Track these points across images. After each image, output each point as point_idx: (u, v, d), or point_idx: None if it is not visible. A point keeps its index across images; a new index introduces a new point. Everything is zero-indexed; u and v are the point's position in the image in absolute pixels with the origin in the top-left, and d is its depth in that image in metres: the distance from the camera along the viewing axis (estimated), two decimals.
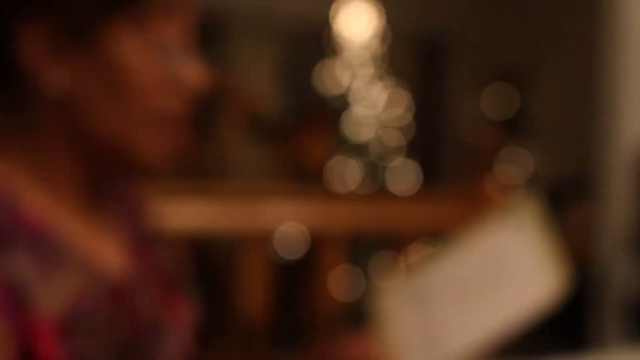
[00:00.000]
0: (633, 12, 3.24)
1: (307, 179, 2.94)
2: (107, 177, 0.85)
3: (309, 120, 3.18)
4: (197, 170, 3.92)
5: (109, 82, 0.78)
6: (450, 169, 6.32)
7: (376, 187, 4.76)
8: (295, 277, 2.87)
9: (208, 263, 4.56)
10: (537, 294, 0.76)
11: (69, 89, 0.78)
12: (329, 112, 3.18)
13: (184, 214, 1.57)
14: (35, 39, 0.76)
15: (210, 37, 5.47)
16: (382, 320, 0.79)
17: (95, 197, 0.85)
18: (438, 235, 1.52)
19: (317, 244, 1.76)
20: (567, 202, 4.40)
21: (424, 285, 0.78)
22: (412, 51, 6.47)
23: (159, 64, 0.79)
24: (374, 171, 5.17)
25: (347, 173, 4.85)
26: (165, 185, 1.54)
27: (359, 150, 5.25)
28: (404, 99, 5.75)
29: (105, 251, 0.83)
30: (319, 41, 5.32)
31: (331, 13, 5.30)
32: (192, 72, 0.81)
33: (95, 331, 0.76)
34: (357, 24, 5.31)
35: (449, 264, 0.78)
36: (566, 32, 6.14)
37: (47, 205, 0.80)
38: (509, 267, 0.76)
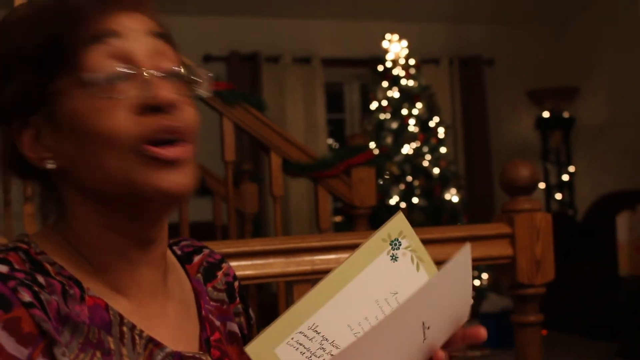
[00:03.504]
0: None
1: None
2: (144, 231, 0.81)
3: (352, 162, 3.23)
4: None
5: (78, 136, 0.77)
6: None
7: None
8: None
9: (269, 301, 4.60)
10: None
11: (61, 159, 0.79)
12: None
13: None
14: (23, 136, 0.80)
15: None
16: None
17: (147, 269, 0.83)
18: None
19: None
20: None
21: None
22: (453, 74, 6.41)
23: (111, 96, 0.76)
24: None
25: None
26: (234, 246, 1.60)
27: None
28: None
29: (163, 330, 0.82)
30: None
31: None
32: (154, 89, 0.77)
33: None
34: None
35: None
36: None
37: (101, 288, 0.79)
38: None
